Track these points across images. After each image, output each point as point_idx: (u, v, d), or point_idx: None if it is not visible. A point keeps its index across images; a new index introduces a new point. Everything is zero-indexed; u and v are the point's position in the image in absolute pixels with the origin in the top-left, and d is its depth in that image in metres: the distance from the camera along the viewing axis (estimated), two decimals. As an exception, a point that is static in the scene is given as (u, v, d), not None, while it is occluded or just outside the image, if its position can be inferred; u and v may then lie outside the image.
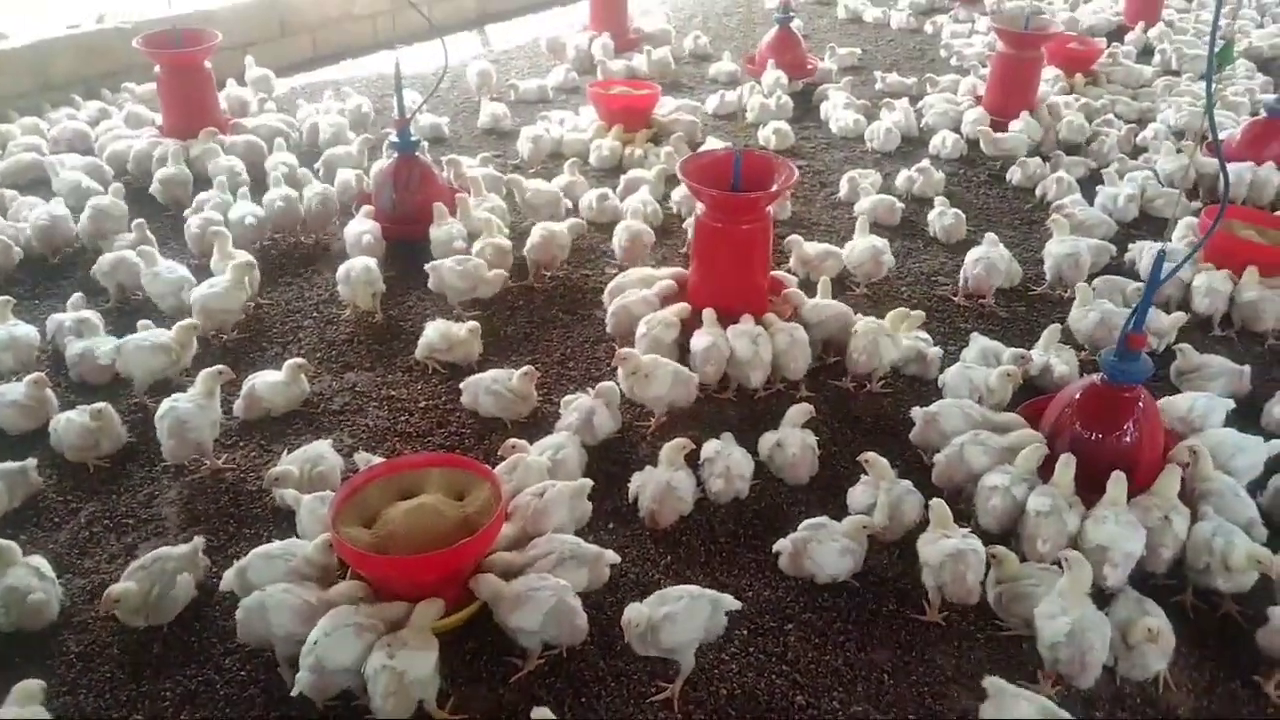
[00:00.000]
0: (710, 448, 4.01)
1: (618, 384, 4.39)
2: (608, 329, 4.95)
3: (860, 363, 4.69)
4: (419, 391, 4.70)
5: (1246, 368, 4.70)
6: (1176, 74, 9.50)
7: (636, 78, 8.83)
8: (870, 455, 3.89)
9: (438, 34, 6.12)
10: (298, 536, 3.58)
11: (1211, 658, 3.41)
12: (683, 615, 3.11)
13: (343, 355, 4.97)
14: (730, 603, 3.21)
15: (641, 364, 4.35)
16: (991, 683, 3.00)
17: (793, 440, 4.06)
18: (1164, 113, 8.17)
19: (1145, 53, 10.34)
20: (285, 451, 4.11)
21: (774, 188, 4.76)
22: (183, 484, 4.11)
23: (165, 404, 4.05)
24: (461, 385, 4.46)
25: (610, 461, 4.22)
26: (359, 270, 5.13)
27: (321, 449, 3.98)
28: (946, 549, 3.42)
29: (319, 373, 4.81)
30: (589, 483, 3.74)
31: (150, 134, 7.04)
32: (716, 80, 9.23)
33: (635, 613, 3.09)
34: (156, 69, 7.01)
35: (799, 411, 4.17)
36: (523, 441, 3.93)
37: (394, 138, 5.90)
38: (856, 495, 3.92)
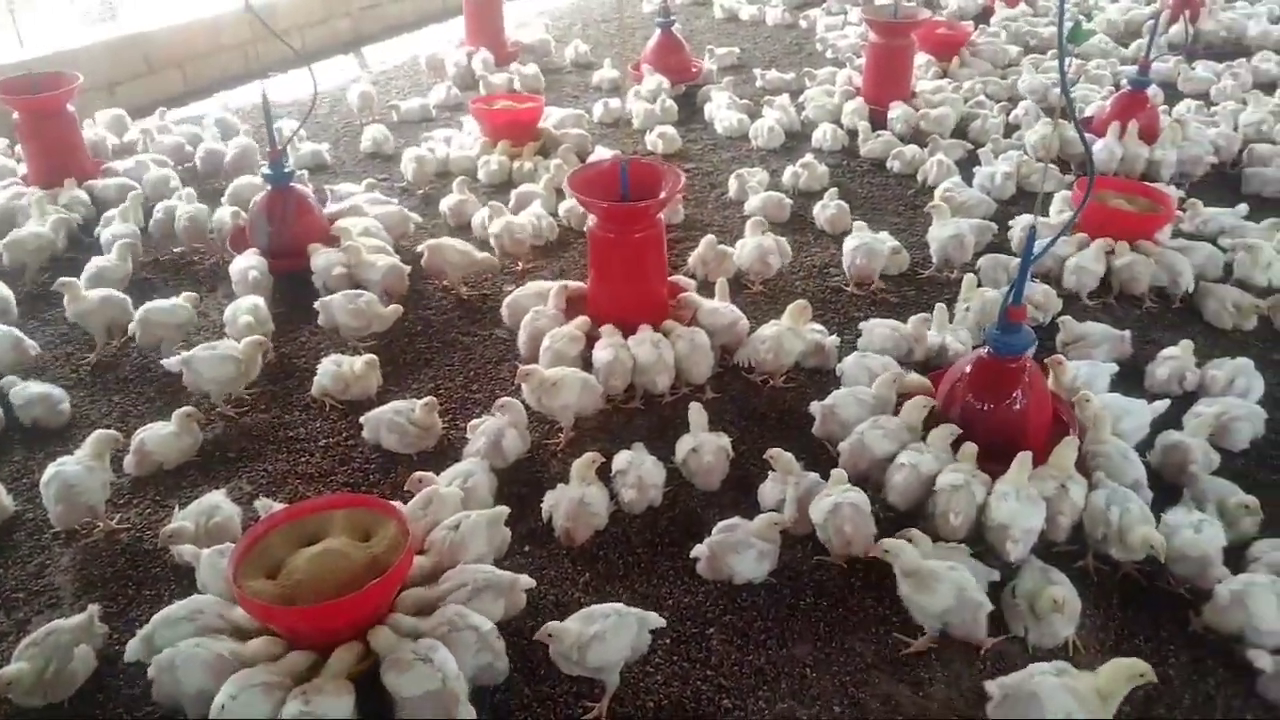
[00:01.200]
0: (621, 459, 4.00)
1: (523, 401, 4.36)
2: (521, 349, 4.89)
3: (767, 360, 4.75)
4: (318, 430, 4.57)
5: (1127, 333, 4.91)
6: (1041, 52, 9.87)
7: (519, 91, 8.78)
8: (775, 451, 3.93)
9: (305, 62, 5.95)
10: (199, 594, 3.45)
11: (1115, 617, 3.54)
12: (610, 634, 3.09)
13: (236, 398, 4.81)
14: (655, 620, 3.21)
15: (546, 375, 4.33)
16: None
17: (708, 446, 4.07)
18: (1025, 84, 8.56)
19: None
20: (177, 506, 3.95)
21: (662, 195, 4.77)
22: (75, 550, 3.91)
23: (50, 469, 3.87)
24: (362, 420, 4.36)
25: (521, 483, 4.17)
26: (246, 311, 4.97)
27: (216, 499, 3.83)
28: (825, 506, 3.59)
29: (211, 419, 4.64)
30: (505, 510, 3.68)
31: (13, 183, 6.71)
32: (600, 88, 9.24)
33: (560, 630, 3.06)
34: (15, 116, 6.69)
35: (697, 412, 4.19)
36: (428, 474, 3.86)
37: (267, 170, 5.73)
38: (766, 492, 3.96)
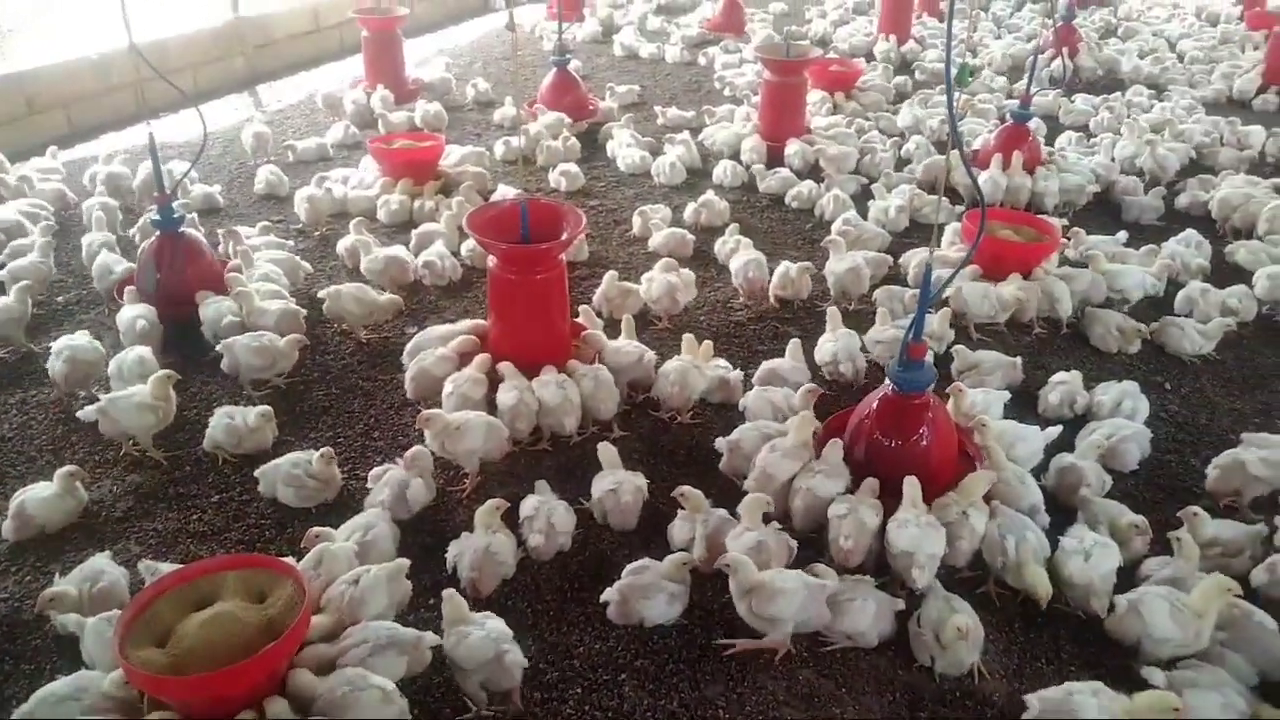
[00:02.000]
0: (529, 504, 3.94)
1: (427, 447, 4.26)
2: (409, 394, 4.80)
3: (673, 395, 4.75)
4: (210, 485, 4.38)
5: (1018, 359, 5.07)
6: (930, 87, 10.25)
7: (420, 129, 8.70)
8: (684, 489, 3.92)
9: (192, 102, 5.79)
10: (85, 667, 3.25)
11: (1017, 641, 3.61)
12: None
13: (123, 455, 4.59)
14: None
15: (450, 420, 4.25)
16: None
17: (626, 486, 4.03)
18: (903, 119, 8.86)
19: (903, 67, 11.12)
20: (59, 572, 3.73)
21: (564, 236, 4.76)
22: (-58, 625, 3.66)
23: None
24: (257, 474, 4.20)
25: (425, 533, 4.06)
26: (133, 362, 4.77)
27: (100, 563, 3.63)
28: (748, 542, 3.60)
29: (96, 478, 4.41)
30: (405, 562, 3.58)
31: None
32: (501, 126, 9.22)
33: None
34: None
35: (607, 451, 4.17)
36: (325, 529, 3.73)
37: (154, 215, 5.52)
38: (676, 531, 3.94)
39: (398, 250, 6.07)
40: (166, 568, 3.48)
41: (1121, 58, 11.18)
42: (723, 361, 5.08)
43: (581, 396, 4.57)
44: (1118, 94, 10.01)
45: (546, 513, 3.88)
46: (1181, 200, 7.47)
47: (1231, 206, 7.01)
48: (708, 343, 5.03)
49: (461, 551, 3.74)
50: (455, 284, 6.16)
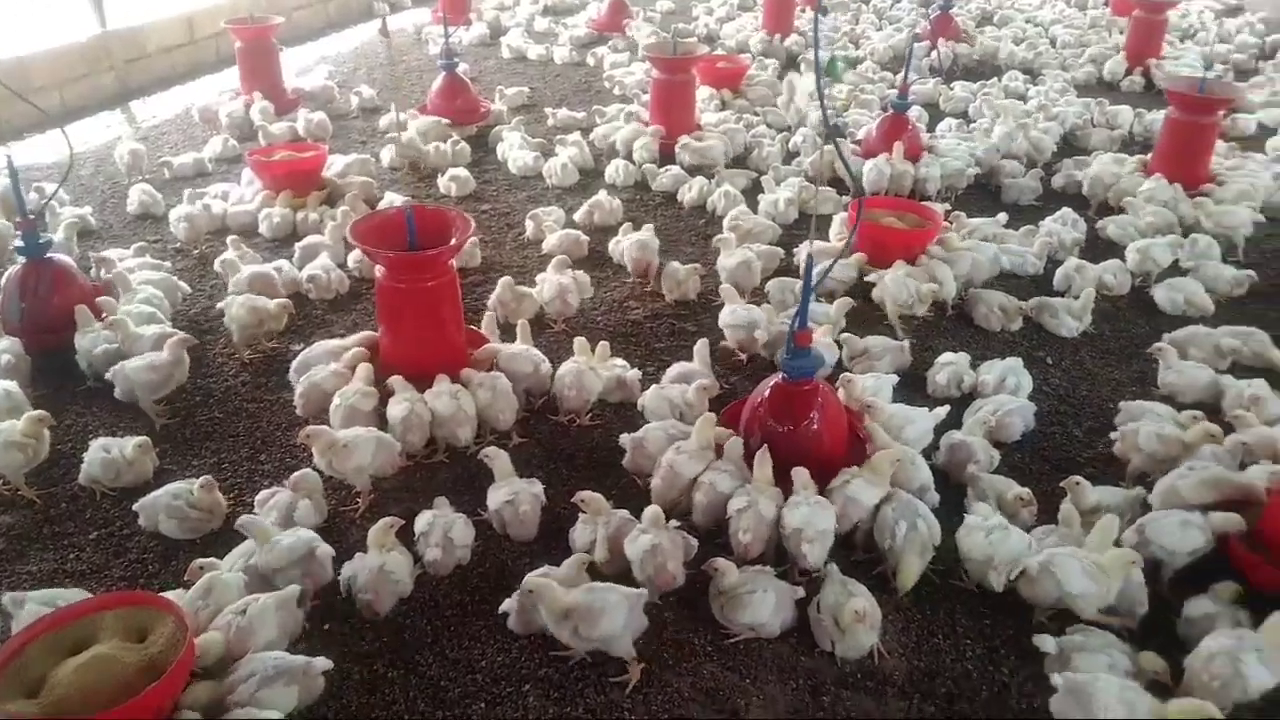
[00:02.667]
0: (424, 519, 3.85)
1: (315, 467, 4.14)
2: (299, 411, 4.66)
3: (570, 398, 4.72)
4: (88, 521, 4.17)
5: (906, 343, 5.17)
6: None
7: (300, 140, 8.47)
8: (584, 494, 3.88)
9: (56, 122, 5.52)
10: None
11: (915, 619, 3.67)
12: None
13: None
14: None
15: (336, 438, 4.14)
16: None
17: (524, 495, 3.97)
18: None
19: (790, 62, 11.28)
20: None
21: (452, 241, 4.68)
22: None
23: None
24: (136, 507, 4.01)
25: (320, 554, 3.95)
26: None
27: (-34, 612, 3.43)
28: (643, 545, 3.58)
29: (-8, 509, 4.17)
30: (296, 589, 3.46)
31: None
32: (387, 132, 9.03)
33: None
34: None
35: (499, 458, 4.11)
36: (210, 560, 3.58)
37: (18, 241, 5.24)
38: (577, 535, 3.90)
39: (264, 267, 5.87)
40: (35, 603, 3.30)
41: (999, 44, 11.53)
42: (620, 361, 5.06)
43: (478, 406, 4.50)
44: (995, 80, 10.33)
45: (443, 527, 3.80)
46: (1057, 180, 7.75)
47: (1104, 185, 7.29)
48: (603, 344, 5.01)
49: (355, 573, 3.64)
50: (343, 297, 6.00)
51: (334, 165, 7.62)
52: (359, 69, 11.45)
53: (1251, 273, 6.09)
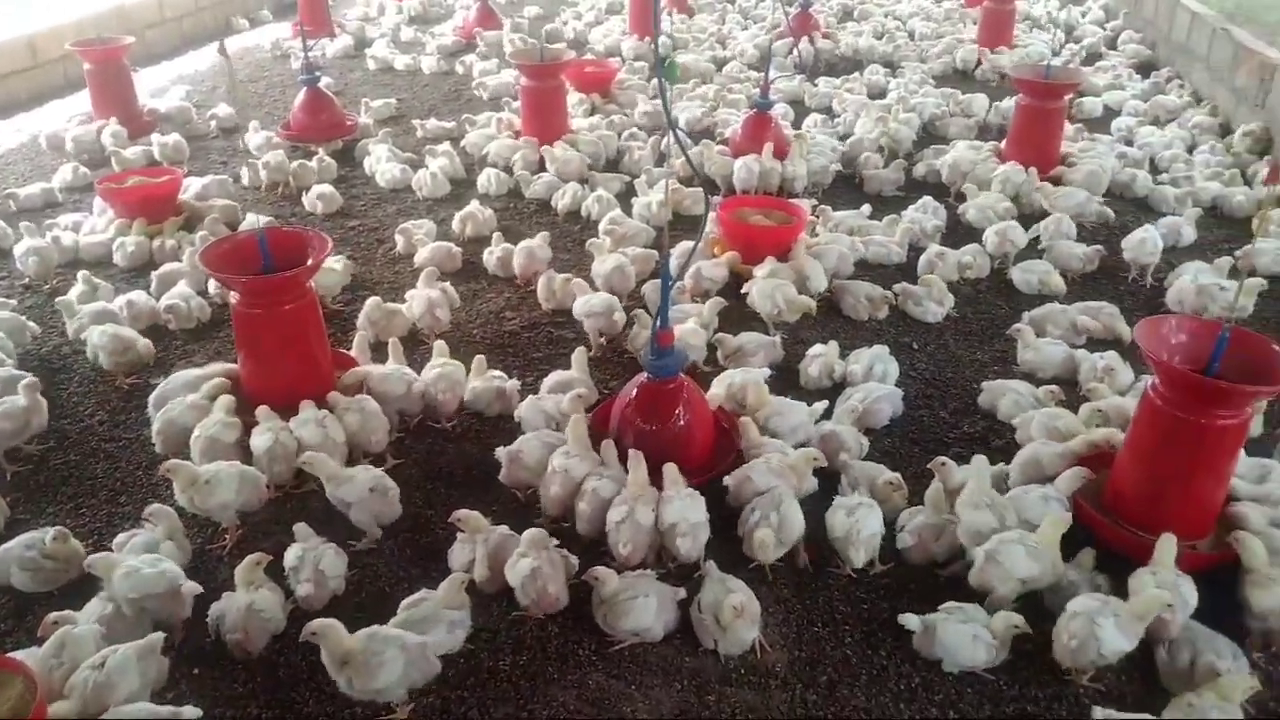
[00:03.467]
0: (293, 554, 3.72)
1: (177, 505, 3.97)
2: (158, 449, 4.46)
3: (446, 401, 4.73)
4: (-70, 581, 3.91)
5: (777, 338, 5.26)
6: (684, 82, 10.50)
7: (156, 164, 8.12)
8: (461, 513, 3.82)
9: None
10: None
11: (794, 609, 3.73)
12: None
13: None
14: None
15: (197, 473, 3.97)
16: None
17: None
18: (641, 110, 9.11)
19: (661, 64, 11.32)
20: None
21: (309, 262, 4.54)
22: None
23: None
24: (-18, 561, 3.78)
25: (186, 596, 3.79)
26: None
27: None
28: (523, 569, 3.55)
29: None
30: (159, 636, 3.31)
31: None
32: (248, 151, 8.72)
33: None
34: None
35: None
36: (65, 613, 3.39)
37: None
38: (456, 554, 3.84)
39: (100, 305, 5.59)
40: None
41: (859, 39, 11.83)
42: (498, 373, 5.00)
43: (347, 432, 4.38)
44: (856, 74, 10.60)
45: (314, 560, 3.68)
46: (918, 170, 7.99)
47: (961, 172, 7.56)
48: (479, 358, 4.96)
49: (223, 613, 3.51)
50: (204, 325, 5.77)
51: (191, 188, 7.32)
52: (218, 88, 11.03)
53: (1100, 247, 6.39)
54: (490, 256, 6.38)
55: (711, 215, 6.60)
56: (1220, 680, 3.17)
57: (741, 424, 4.29)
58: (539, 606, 3.62)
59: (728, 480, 4.05)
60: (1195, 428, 3.51)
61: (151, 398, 4.69)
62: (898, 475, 4.13)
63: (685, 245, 6.12)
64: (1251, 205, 7.15)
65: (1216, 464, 3.61)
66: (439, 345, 4.93)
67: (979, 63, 11.12)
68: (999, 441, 4.68)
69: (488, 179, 7.73)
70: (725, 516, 3.99)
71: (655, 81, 9.68)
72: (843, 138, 8.51)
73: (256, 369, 4.63)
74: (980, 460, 3.96)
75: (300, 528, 3.81)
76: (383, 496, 4.04)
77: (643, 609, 3.49)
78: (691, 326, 5.16)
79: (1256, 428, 4.53)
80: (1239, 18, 10.07)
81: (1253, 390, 3.42)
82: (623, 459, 4.03)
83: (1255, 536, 3.52)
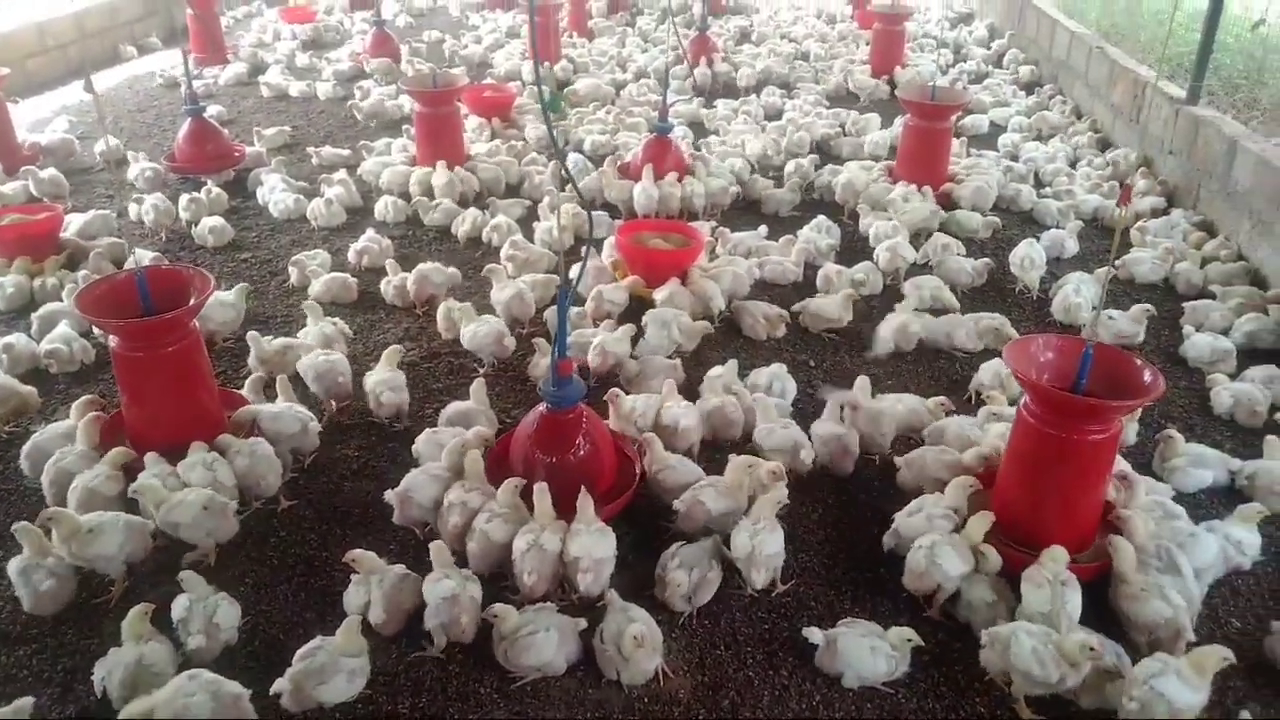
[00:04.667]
0: (180, 604, 3.59)
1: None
2: (47, 499, 4.25)
3: (389, 404, 4.85)
4: None
5: (677, 361, 5.30)
6: (584, 105, 10.56)
7: (35, 200, 7.80)
8: (354, 554, 3.74)
9: None
10: None
11: (697, 634, 3.74)
12: None
13: None
14: None
15: (79, 523, 3.81)
16: None
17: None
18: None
19: (562, 87, 11.37)
20: None
21: (191, 301, 4.41)
22: None
23: None
24: None
25: (67, 655, 3.63)
26: None
27: None
28: (442, 591, 3.53)
29: None
30: (28, 701, 3.16)
31: None
32: (134, 185, 8.43)
33: None
34: None
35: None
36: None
37: None
38: (351, 597, 3.74)
39: None
40: None
41: (756, 61, 12.05)
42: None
43: (237, 475, 4.26)
44: (753, 96, 10.80)
45: (204, 611, 3.56)
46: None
47: (854, 191, 7.74)
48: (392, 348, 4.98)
49: (111, 669, 3.36)
50: (88, 367, 5.56)
51: (73, 225, 7.05)
52: (106, 117, 10.68)
53: (989, 260, 6.61)
54: (388, 285, 6.30)
55: (610, 239, 6.66)
56: (1195, 651, 3.28)
57: (646, 441, 4.31)
58: (452, 637, 3.59)
59: (677, 504, 4.06)
60: (1067, 443, 3.64)
61: (24, 449, 4.49)
62: (779, 465, 4.21)
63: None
64: (1130, 216, 7.50)
65: (1090, 478, 3.74)
66: (280, 381, 4.91)
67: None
68: (891, 453, 4.77)
69: (385, 207, 7.65)
70: (632, 544, 4.01)
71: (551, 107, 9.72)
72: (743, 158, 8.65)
73: (140, 413, 4.47)
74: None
75: (188, 576, 3.66)
76: (219, 513, 3.97)
77: (544, 643, 3.46)
78: (619, 335, 5.33)
79: (1131, 435, 4.74)
80: (1114, 36, 10.57)
81: (1117, 405, 3.57)
82: (527, 492, 3.99)
83: (1127, 542, 3.66)
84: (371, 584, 3.67)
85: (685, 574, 3.75)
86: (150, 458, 4.21)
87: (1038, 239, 6.74)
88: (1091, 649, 3.23)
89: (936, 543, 3.71)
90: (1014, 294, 6.52)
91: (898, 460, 4.49)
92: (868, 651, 3.46)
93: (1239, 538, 3.89)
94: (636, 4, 16.33)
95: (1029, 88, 11.50)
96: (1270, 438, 4.61)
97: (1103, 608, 3.65)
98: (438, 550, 3.73)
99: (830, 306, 5.87)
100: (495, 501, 3.97)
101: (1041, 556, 3.57)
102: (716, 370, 5.16)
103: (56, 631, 3.74)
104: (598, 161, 8.46)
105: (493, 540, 3.82)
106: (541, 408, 4.24)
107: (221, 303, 5.75)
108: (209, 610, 3.56)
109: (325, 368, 5.01)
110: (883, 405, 4.76)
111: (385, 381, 4.92)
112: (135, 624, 3.44)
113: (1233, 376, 5.34)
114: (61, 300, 6.05)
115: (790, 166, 8.30)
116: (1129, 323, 5.72)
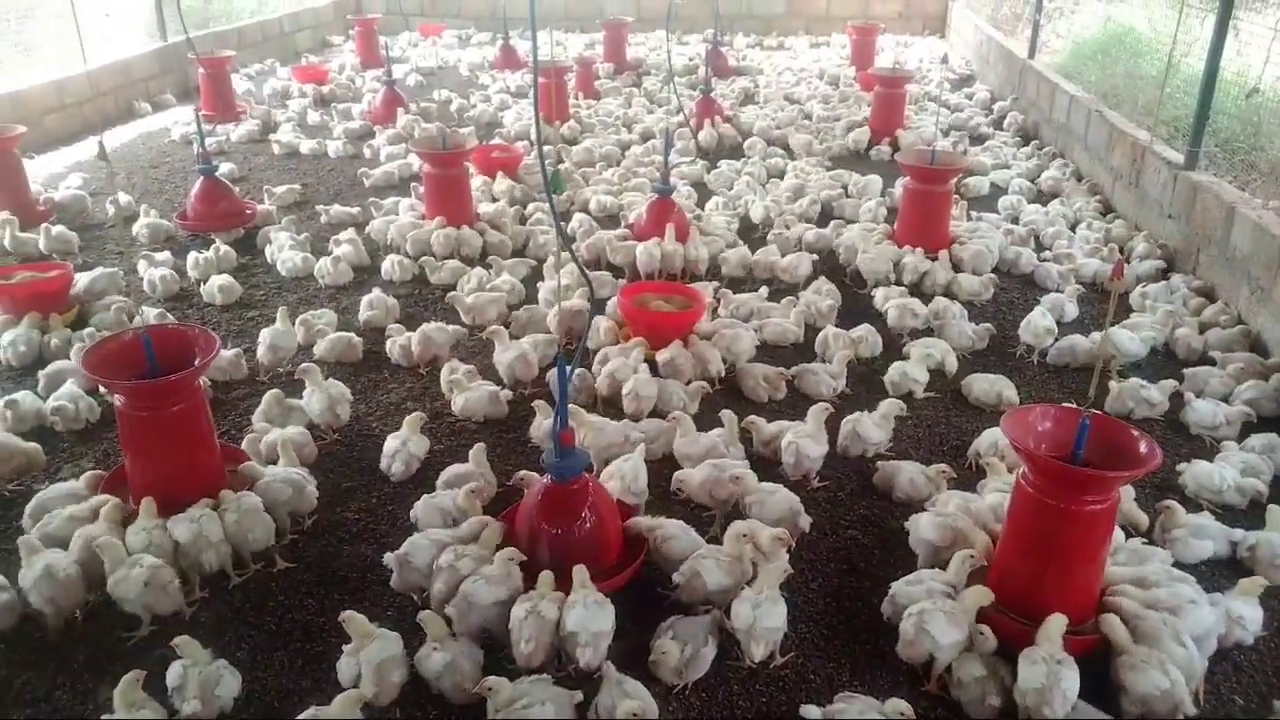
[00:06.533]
0: (175, 672, 3.57)
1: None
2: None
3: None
4: None
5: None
6: (591, 165, 10.71)
7: (45, 258, 7.91)
8: (345, 616, 3.73)
9: None
10: None
11: (694, 705, 3.70)
12: None
13: None
14: None
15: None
16: None
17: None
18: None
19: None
20: None
21: (196, 362, 4.46)
22: None
23: None
24: None
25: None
26: None
27: None
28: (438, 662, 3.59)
29: None
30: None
31: None
32: (141, 242, 8.53)
33: None
34: None
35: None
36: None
37: None
38: (343, 668, 3.68)
39: None
40: None
41: (758, 122, 12.22)
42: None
43: (226, 531, 4.25)
44: (756, 157, 10.93)
45: (201, 679, 3.54)
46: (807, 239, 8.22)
47: (856, 252, 7.80)
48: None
49: (104, 733, 3.35)
50: (93, 425, 5.60)
51: (81, 282, 7.13)
52: (118, 174, 10.85)
53: (990, 326, 6.65)
54: (393, 345, 6.35)
55: (613, 301, 6.71)
56: None
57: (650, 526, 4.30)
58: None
59: (676, 577, 4.05)
60: (1066, 514, 3.63)
61: (28, 509, 4.51)
62: (784, 531, 4.21)
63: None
64: (1130, 280, 7.54)
65: (1089, 548, 3.73)
66: (282, 443, 4.96)
67: (871, 143, 11.58)
68: (894, 523, 4.77)
69: (392, 265, 7.73)
70: (630, 615, 4.00)
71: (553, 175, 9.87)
72: (743, 219, 8.77)
73: (144, 470, 4.50)
74: None
75: (183, 641, 3.65)
76: (160, 590, 3.95)
77: (539, 716, 3.43)
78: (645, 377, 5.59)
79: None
80: (1114, 99, 10.72)
81: (1114, 476, 3.57)
82: (534, 564, 4.00)
83: (1117, 618, 3.65)
84: (360, 657, 3.64)
85: (677, 647, 3.72)
86: (146, 504, 4.24)
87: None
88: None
89: (926, 610, 3.68)
90: (1015, 357, 6.54)
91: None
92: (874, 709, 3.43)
93: (1240, 611, 3.87)
94: (644, 64, 16.61)
95: (1029, 149, 11.56)
96: (1272, 507, 4.59)
97: (1104, 682, 3.62)
98: (429, 620, 3.73)
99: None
100: (487, 566, 3.96)
101: (1038, 634, 3.54)
102: (718, 431, 5.16)
103: (50, 697, 3.72)
104: (604, 223, 8.55)
105: (473, 603, 3.80)
106: (546, 479, 4.24)
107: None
108: (210, 680, 3.54)
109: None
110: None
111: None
112: (127, 692, 3.44)
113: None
114: (69, 358, 6.11)
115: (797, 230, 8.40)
116: (1157, 393, 5.76)
